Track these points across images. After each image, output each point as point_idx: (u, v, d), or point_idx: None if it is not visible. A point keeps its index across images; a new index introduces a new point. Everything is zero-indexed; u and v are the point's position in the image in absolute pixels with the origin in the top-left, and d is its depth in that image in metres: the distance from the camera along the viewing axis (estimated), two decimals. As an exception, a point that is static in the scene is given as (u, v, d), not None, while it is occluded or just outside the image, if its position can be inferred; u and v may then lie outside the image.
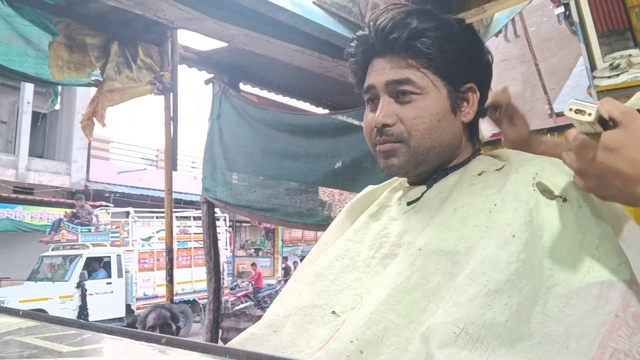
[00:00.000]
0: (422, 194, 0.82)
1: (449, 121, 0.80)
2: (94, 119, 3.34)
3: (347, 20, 2.54)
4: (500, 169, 0.79)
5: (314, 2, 2.43)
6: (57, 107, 12.06)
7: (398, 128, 0.79)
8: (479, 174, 0.80)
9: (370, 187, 0.98)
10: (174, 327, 2.49)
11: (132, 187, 15.70)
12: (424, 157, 0.80)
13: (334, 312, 0.75)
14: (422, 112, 0.78)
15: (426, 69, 0.78)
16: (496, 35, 3.60)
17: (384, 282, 0.73)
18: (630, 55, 2.56)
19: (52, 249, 10.35)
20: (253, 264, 14.22)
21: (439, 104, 0.79)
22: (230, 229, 14.73)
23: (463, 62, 0.80)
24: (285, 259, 18.66)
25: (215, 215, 4.06)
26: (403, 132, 0.79)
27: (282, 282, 13.48)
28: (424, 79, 0.78)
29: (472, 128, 0.86)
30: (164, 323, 2.43)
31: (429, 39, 0.77)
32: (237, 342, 0.84)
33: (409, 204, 0.83)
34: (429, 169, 0.82)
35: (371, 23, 0.82)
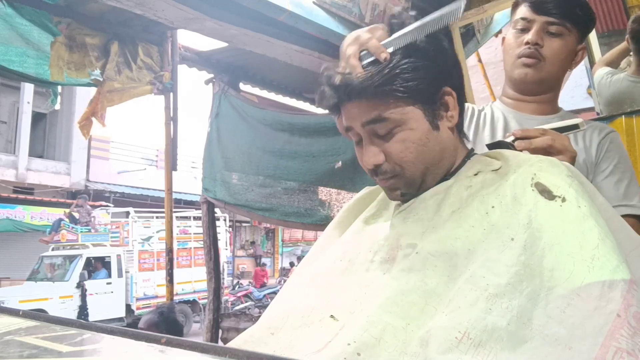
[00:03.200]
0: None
1: (434, 138, 0.80)
2: (93, 118, 3.34)
3: (347, 20, 2.54)
4: (498, 169, 0.79)
5: (314, 2, 2.43)
6: (57, 107, 12.06)
7: (389, 164, 0.80)
8: (475, 174, 0.80)
9: (367, 189, 0.98)
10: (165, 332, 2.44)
11: (132, 187, 15.69)
12: (422, 179, 0.81)
13: (332, 316, 0.75)
14: (405, 143, 0.78)
15: (395, 102, 0.77)
16: (496, 35, 3.60)
17: (382, 287, 0.73)
18: (630, 55, 2.55)
19: (52, 249, 10.34)
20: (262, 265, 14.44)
21: (419, 129, 0.78)
22: (230, 229, 14.71)
23: (428, 78, 0.78)
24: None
25: (215, 215, 4.06)
26: (395, 167, 0.80)
27: (282, 281, 13.50)
28: (396, 111, 0.77)
29: (459, 128, 0.85)
30: (149, 327, 2.41)
31: (386, 79, 0.75)
32: (235, 345, 0.83)
33: (403, 202, 0.84)
34: (434, 183, 0.83)
35: (325, 81, 0.80)
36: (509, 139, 0.97)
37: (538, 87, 1.24)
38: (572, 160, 0.93)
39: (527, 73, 1.20)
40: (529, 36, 1.18)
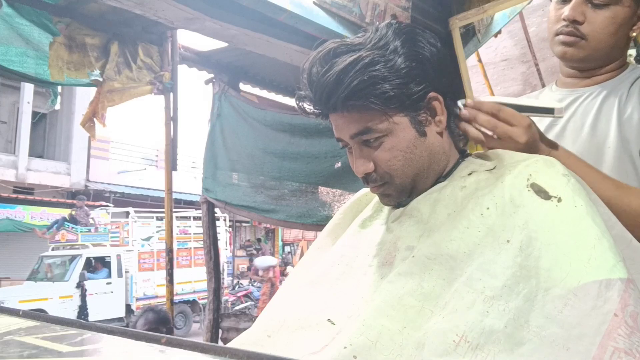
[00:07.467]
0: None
1: (422, 145, 0.80)
2: (95, 119, 3.35)
3: (347, 20, 2.54)
4: (492, 169, 0.79)
5: (314, 2, 2.43)
6: (57, 107, 12.07)
7: (379, 172, 0.81)
8: (469, 174, 0.80)
9: (363, 190, 0.98)
10: (164, 330, 2.48)
11: (132, 187, 15.69)
12: (412, 185, 0.82)
13: (329, 320, 0.75)
14: (392, 152, 0.79)
15: (379, 112, 0.77)
16: (495, 35, 3.60)
17: (379, 290, 0.73)
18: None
19: (52, 249, 10.34)
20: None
21: (405, 137, 0.79)
22: (230, 229, 14.71)
23: (411, 85, 0.77)
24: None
25: (215, 215, 4.06)
26: (384, 174, 0.81)
27: (280, 281, 13.50)
28: (382, 121, 0.78)
29: (450, 130, 0.85)
30: (149, 328, 2.42)
31: (367, 89, 0.75)
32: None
33: (398, 207, 0.84)
34: (426, 187, 0.83)
35: (308, 90, 0.80)
36: (460, 102, 0.87)
37: (586, 64, 1.06)
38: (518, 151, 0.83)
39: (566, 52, 1.04)
40: (565, 11, 1.02)
